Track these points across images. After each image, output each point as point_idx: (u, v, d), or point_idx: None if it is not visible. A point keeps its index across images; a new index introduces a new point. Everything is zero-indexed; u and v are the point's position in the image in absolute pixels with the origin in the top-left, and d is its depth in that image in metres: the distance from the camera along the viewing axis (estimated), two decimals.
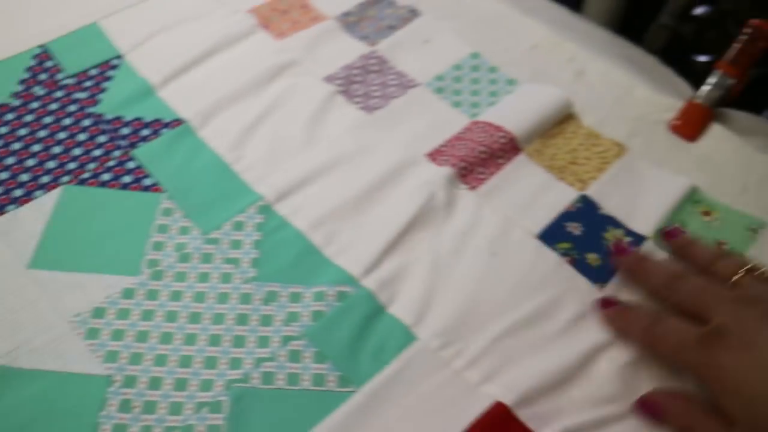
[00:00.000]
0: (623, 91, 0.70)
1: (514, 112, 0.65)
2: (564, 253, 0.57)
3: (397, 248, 0.56)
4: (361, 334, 0.51)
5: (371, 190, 0.60)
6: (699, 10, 1.01)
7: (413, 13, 0.75)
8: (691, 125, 0.68)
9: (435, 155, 0.62)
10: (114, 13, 0.73)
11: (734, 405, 0.45)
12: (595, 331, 0.52)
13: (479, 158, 0.62)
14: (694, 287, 0.50)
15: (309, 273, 0.55)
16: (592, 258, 0.57)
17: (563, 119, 0.66)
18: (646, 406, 0.48)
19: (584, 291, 0.55)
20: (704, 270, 0.52)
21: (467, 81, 0.69)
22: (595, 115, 0.68)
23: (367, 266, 0.55)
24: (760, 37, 0.69)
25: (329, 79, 0.68)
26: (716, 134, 0.67)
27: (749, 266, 0.51)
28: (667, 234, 0.58)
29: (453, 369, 0.50)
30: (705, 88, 0.69)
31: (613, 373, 0.51)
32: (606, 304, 0.53)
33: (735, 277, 0.50)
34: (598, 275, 0.56)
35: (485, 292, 0.54)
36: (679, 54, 0.97)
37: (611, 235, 0.58)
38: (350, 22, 0.74)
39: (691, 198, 0.62)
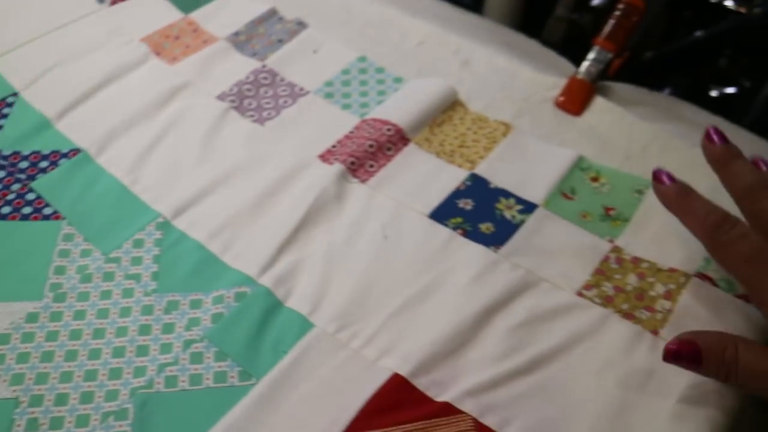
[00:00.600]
0: (508, 75, 0.73)
1: (399, 106, 0.68)
2: (456, 227, 0.59)
3: (292, 245, 0.58)
4: (260, 329, 0.53)
5: (266, 195, 0.61)
6: (596, 1, 1.05)
7: (301, 26, 0.77)
8: (574, 100, 0.70)
9: (326, 156, 0.64)
10: (7, 52, 0.74)
11: None
12: (488, 293, 0.54)
13: (368, 152, 0.64)
14: None
15: (208, 280, 0.56)
16: (485, 227, 0.59)
17: (450, 107, 0.69)
18: (681, 352, 0.47)
19: (478, 256, 0.57)
20: None
21: (355, 84, 0.71)
22: (482, 100, 0.70)
23: (264, 265, 0.56)
24: (632, 11, 0.72)
25: (222, 96, 0.70)
26: (600, 107, 0.70)
27: None
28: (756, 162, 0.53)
29: (351, 349, 0.52)
30: (585, 64, 0.72)
31: (507, 330, 0.53)
32: (659, 177, 0.52)
33: None
34: (492, 240, 0.58)
35: (379, 273, 0.56)
36: (580, 43, 1.00)
37: (503, 205, 0.60)
38: (240, 41, 0.76)
39: (579, 166, 0.64)
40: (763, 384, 0.45)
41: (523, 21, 1.06)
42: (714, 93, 1.12)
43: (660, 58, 1.05)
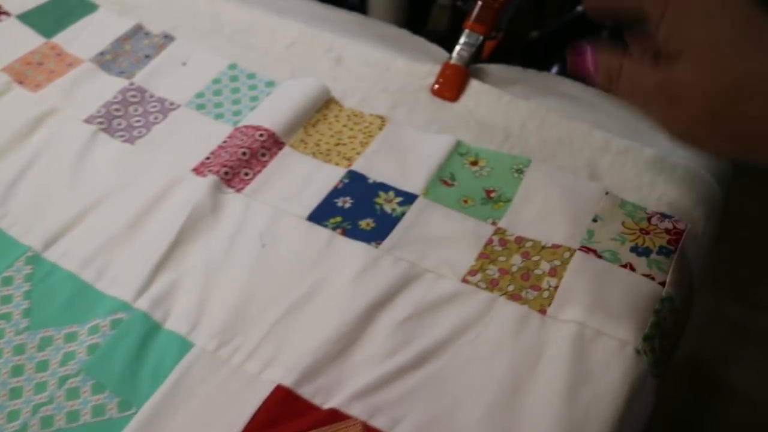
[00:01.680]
0: (382, 67, 0.72)
1: (271, 110, 0.66)
2: (335, 227, 0.57)
3: (168, 264, 0.56)
4: (138, 355, 0.51)
5: (139, 216, 0.59)
6: None
7: (168, 39, 0.75)
8: (450, 86, 0.69)
9: (200, 169, 0.62)
10: None
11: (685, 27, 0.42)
12: (372, 291, 0.53)
13: (242, 161, 0.62)
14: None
15: (83, 310, 0.54)
16: (365, 223, 0.58)
17: (324, 106, 0.67)
18: (575, 54, 0.47)
19: (359, 254, 0.56)
20: None
21: (227, 92, 0.69)
22: (357, 96, 0.69)
23: (139, 289, 0.54)
24: None
25: (90, 119, 0.67)
26: (475, 90, 0.69)
27: None
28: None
29: (232, 365, 0.50)
30: (457, 49, 0.71)
31: (393, 327, 0.52)
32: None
33: None
34: (372, 236, 0.57)
35: (259, 283, 0.54)
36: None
37: (383, 198, 0.59)
38: (106, 60, 0.73)
39: (458, 151, 0.63)
40: (639, 98, 0.45)
41: (408, 14, 1.05)
42: None
43: (544, 36, 1.05)
